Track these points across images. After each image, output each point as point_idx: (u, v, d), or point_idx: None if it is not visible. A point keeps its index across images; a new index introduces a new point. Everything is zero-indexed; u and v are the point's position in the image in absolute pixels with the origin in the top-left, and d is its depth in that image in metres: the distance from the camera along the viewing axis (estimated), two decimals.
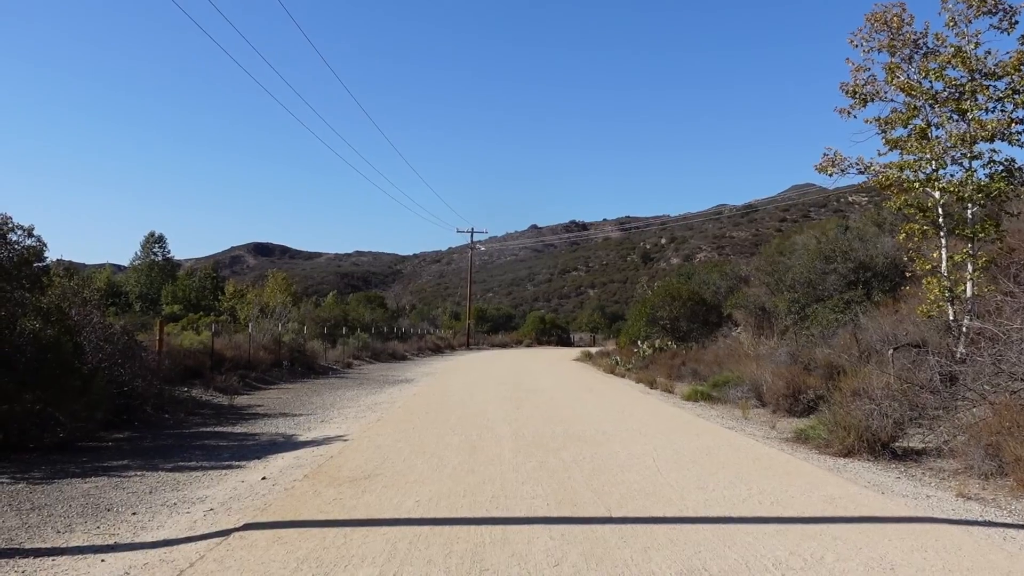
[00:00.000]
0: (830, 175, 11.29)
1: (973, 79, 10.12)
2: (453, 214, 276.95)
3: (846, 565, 4.14)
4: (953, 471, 6.89)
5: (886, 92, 10.87)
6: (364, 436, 9.26)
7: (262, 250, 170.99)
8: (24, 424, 7.75)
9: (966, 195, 10.07)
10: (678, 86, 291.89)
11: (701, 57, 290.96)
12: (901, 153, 10.75)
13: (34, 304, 8.62)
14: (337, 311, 37.53)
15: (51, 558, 4.43)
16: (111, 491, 6.24)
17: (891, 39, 10.73)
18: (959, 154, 10.31)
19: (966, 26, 10.24)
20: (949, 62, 10.24)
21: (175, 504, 5.85)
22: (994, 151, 10.19)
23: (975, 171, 10.28)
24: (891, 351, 10.00)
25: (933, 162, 10.40)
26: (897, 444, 7.80)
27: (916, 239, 10.71)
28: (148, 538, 4.87)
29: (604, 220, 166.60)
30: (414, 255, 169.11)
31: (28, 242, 9.13)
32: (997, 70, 9.98)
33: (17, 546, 4.67)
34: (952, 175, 10.46)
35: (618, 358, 25.40)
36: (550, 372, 23.80)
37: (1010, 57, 9.86)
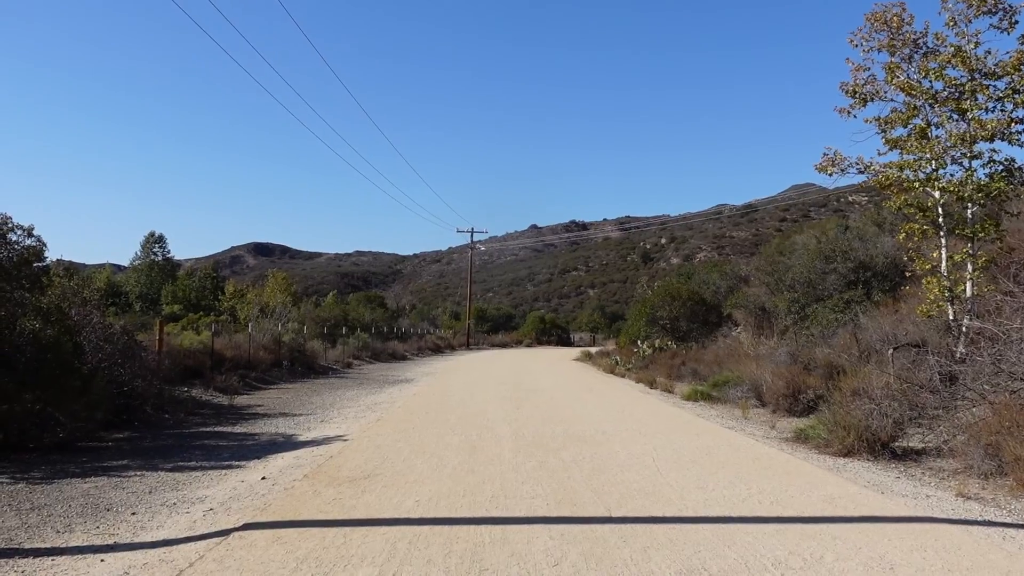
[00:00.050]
0: (830, 175, 11.29)
1: (973, 79, 10.11)
2: (453, 214, 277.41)
3: (845, 565, 4.14)
4: (953, 471, 6.89)
5: (886, 92, 10.86)
6: (364, 436, 9.26)
7: (262, 250, 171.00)
8: (24, 424, 7.76)
9: (966, 195, 10.06)
10: (678, 86, 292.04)
11: (701, 57, 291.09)
12: (901, 153, 10.75)
13: (34, 304, 8.62)
14: (337, 311, 37.55)
15: (51, 558, 4.43)
16: (111, 491, 6.24)
17: (891, 39, 10.72)
18: (959, 154, 10.31)
19: (966, 26, 10.23)
20: (949, 62, 10.23)
21: (175, 504, 5.85)
22: (994, 151, 10.19)
23: (975, 171, 10.28)
24: (891, 351, 10.00)
25: (933, 162, 10.40)
26: (897, 444, 7.80)
27: (916, 239, 10.70)
28: (148, 538, 4.87)
29: (604, 220, 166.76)
30: (414, 255, 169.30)
31: (28, 242, 9.14)
32: (997, 70, 9.97)
33: (17, 546, 4.67)
34: (952, 175, 10.46)
35: (618, 358, 25.40)
36: (550, 372, 23.80)
37: (1010, 57, 9.85)
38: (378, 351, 31.02)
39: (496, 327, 65.99)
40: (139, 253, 50.98)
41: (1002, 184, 9.94)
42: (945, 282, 10.22)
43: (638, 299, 36.52)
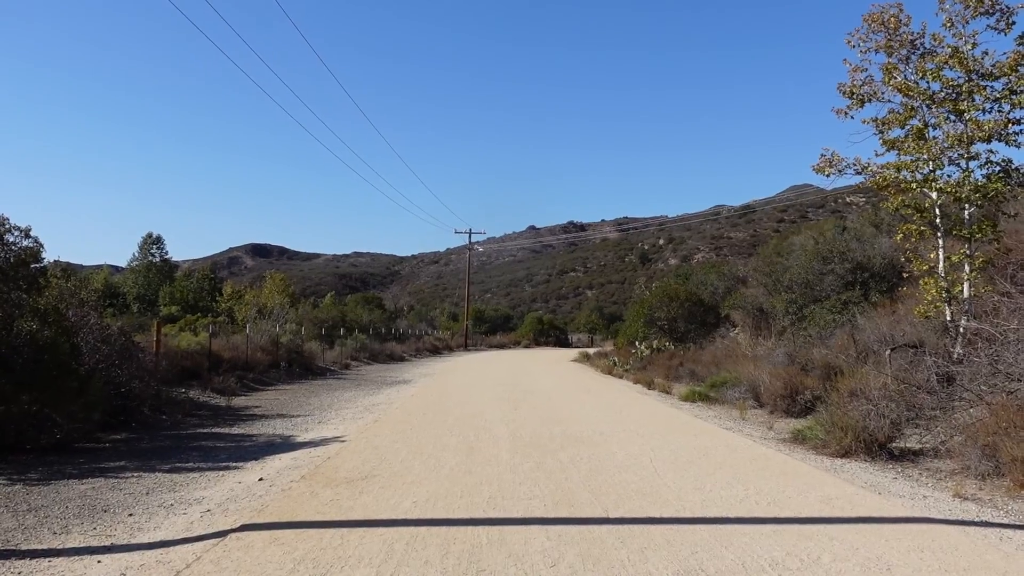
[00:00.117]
0: (828, 176, 11.31)
1: (970, 80, 10.13)
2: (451, 215, 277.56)
3: (843, 565, 4.15)
4: (950, 471, 6.89)
5: (883, 93, 10.88)
6: (361, 437, 9.26)
7: (260, 251, 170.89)
8: (21, 425, 7.74)
9: (963, 195, 10.08)
10: (678, 86, 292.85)
11: (701, 57, 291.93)
12: (898, 154, 10.77)
13: (31, 305, 8.60)
14: (335, 312, 37.54)
15: (47, 559, 4.42)
16: (108, 492, 6.23)
17: (888, 40, 10.74)
18: (956, 154, 10.32)
19: (963, 27, 10.26)
20: (946, 63, 10.25)
21: (172, 505, 5.84)
22: (991, 151, 10.21)
23: (972, 171, 10.30)
24: (888, 351, 10.01)
25: (930, 162, 10.42)
26: (894, 444, 7.81)
27: (913, 239, 10.72)
28: (145, 539, 4.86)
29: (602, 221, 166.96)
30: (412, 256, 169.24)
31: (25, 243, 9.11)
32: (994, 71, 9.99)
33: (13, 547, 4.66)
34: (949, 175, 10.48)
35: (616, 359, 25.40)
36: (548, 373, 23.79)
37: (1007, 58, 9.87)
38: (376, 352, 31.00)
39: (494, 328, 65.97)
40: (137, 254, 51.02)
41: (999, 185, 9.96)
42: (942, 283, 10.23)
43: (636, 300, 36.57)
